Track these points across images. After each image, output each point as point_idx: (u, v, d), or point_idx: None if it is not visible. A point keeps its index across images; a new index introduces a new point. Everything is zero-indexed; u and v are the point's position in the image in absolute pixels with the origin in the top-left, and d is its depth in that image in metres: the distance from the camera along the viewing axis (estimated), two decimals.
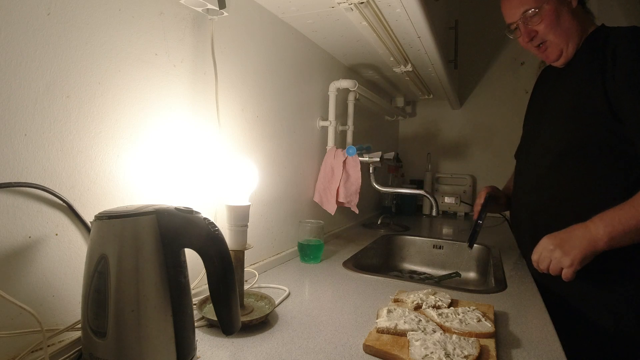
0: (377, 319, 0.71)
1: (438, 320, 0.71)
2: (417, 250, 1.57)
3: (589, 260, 0.86)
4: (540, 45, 1.02)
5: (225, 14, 0.80)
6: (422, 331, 0.65)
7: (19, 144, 0.51)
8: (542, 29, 0.99)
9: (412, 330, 0.65)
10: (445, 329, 0.69)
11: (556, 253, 0.88)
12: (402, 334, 0.66)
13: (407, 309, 0.74)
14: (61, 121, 0.56)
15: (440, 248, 1.53)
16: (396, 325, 0.67)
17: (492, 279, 1.09)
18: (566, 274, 0.87)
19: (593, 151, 0.93)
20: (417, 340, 0.61)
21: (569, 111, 0.99)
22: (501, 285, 0.99)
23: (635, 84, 0.85)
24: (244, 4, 0.94)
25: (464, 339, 0.63)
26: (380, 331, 0.67)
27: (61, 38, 0.55)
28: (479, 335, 0.66)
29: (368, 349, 0.62)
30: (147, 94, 0.70)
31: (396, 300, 0.83)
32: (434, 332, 0.65)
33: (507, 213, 1.30)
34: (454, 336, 0.63)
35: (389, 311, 0.72)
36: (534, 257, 0.93)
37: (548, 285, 1.01)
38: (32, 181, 0.53)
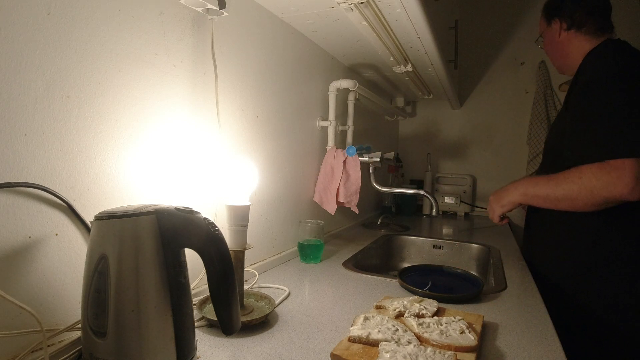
0: (351, 326, 0.67)
1: (417, 331, 0.67)
2: (417, 250, 1.57)
3: (509, 209, 1.20)
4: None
5: (225, 14, 0.80)
6: (396, 342, 0.61)
7: (19, 144, 0.51)
8: (545, 50, 1.30)
9: (385, 341, 0.61)
10: (422, 340, 0.64)
11: (492, 204, 1.24)
12: (375, 344, 0.62)
13: (386, 317, 0.69)
14: (61, 121, 0.56)
15: (440, 248, 1.53)
16: (369, 334, 0.63)
17: (492, 279, 1.09)
18: (492, 213, 1.25)
19: (569, 158, 1.06)
20: (387, 352, 0.57)
21: (554, 126, 1.28)
22: (501, 285, 0.99)
23: (576, 104, 1.05)
24: (244, 4, 0.94)
25: (440, 352, 0.58)
26: (352, 340, 0.63)
27: (61, 38, 0.55)
28: (459, 349, 0.62)
29: (335, 359, 0.59)
30: (147, 94, 0.70)
31: (378, 307, 0.79)
32: (409, 343, 0.61)
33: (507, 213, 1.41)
34: (429, 349, 0.58)
35: (366, 319, 0.68)
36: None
37: (544, 273, 1.15)
38: (32, 181, 0.53)
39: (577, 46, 1.17)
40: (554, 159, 1.18)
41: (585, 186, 0.96)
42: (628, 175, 0.90)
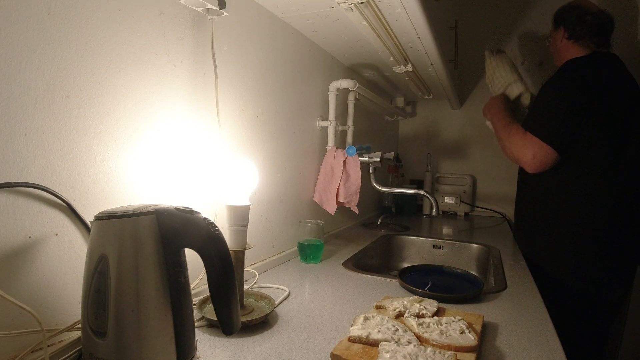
0: (351, 326, 0.67)
1: (417, 331, 0.67)
2: (417, 250, 1.57)
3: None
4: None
5: (225, 14, 0.80)
6: (396, 342, 0.61)
7: (19, 144, 0.51)
8: (550, 51, 1.54)
9: (385, 341, 0.61)
10: (422, 340, 0.64)
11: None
12: (374, 344, 0.62)
13: (386, 317, 0.69)
14: (61, 121, 0.56)
15: (440, 248, 1.53)
16: (369, 334, 0.63)
17: (492, 279, 1.09)
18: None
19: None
20: (387, 352, 0.57)
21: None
22: (501, 285, 0.99)
23: (542, 92, 1.40)
24: (244, 4, 0.94)
25: (440, 352, 0.58)
26: (352, 340, 0.63)
27: (61, 38, 0.55)
28: (459, 349, 0.62)
29: (335, 359, 0.59)
30: (147, 94, 0.70)
31: (378, 307, 0.79)
32: (409, 343, 0.61)
33: (507, 213, 1.47)
34: (429, 349, 0.58)
35: (366, 319, 0.68)
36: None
37: (539, 263, 1.34)
38: (32, 181, 0.53)
39: (571, 53, 1.39)
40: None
41: (511, 142, 1.35)
42: (531, 150, 1.26)
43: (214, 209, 0.87)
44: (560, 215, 1.34)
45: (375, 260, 1.42)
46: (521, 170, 1.49)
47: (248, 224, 0.74)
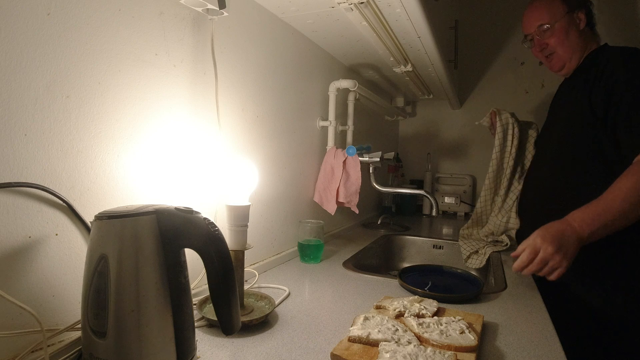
0: (351, 326, 0.67)
1: (417, 331, 0.67)
2: (417, 250, 1.57)
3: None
4: (549, 56, 1.20)
5: (225, 14, 0.80)
6: (396, 342, 0.61)
7: (19, 144, 0.51)
8: (552, 43, 1.17)
9: (385, 341, 0.61)
10: (423, 340, 0.64)
11: (557, 256, 0.87)
12: (375, 344, 0.61)
13: (386, 317, 0.69)
14: (61, 121, 0.56)
15: (440, 248, 1.53)
16: (369, 334, 0.63)
17: (492, 279, 1.09)
18: (560, 273, 0.88)
19: (581, 157, 1.05)
20: (387, 352, 0.57)
21: (564, 121, 1.17)
22: (501, 285, 0.99)
23: (617, 95, 0.99)
24: (244, 4, 0.94)
25: (440, 352, 0.58)
26: (352, 340, 0.63)
27: (61, 38, 0.55)
28: (459, 349, 0.61)
29: (335, 359, 0.59)
30: (147, 94, 0.70)
31: (378, 307, 0.79)
32: (409, 343, 0.61)
33: None
34: (429, 349, 0.58)
35: (366, 319, 0.68)
36: (527, 255, 0.90)
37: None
38: (32, 181, 0.53)
39: (589, 43, 1.15)
40: (560, 166, 1.12)
41: None
42: None
43: (214, 209, 0.87)
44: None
45: (375, 260, 1.42)
46: (538, 172, 1.23)
47: (248, 224, 0.74)
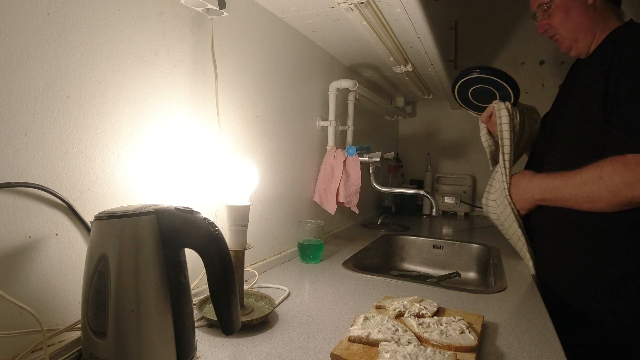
0: (351, 326, 0.67)
1: (417, 331, 0.67)
2: (417, 250, 1.57)
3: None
4: (552, 37, 1.09)
5: (225, 14, 0.80)
6: (396, 342, 0.61)
7: (19, 144, 0.51)
8: (553, 23, 1.05)
9: (385, 341, 0.61)
10: (422, 340, 0.64)
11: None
12: (375, 344, 0.61)
13: (386, 317, 0.69)
14: (61, 121, 0.56)
15: (440, 248, 1.53)
16: (369, 334, 0.63)
17: (492, 279, 1.09)
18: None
19: (594, 147, 0.95)
20: (387, 352, 0.57)
21: (577, 107, 1.03)
22: (501, 285, 0.99)
23: (627, 86, 0.87)
24: (244, 4, 0.94)
25: (440, 352, 0.58)
26: (352, 340, 0.63)
27: (61, 38, 0.55)
28: (459, 349, 0.61)
29: (335, 359, 0.59)
30: (147, 94, 0.70)
31: (378, 307, 0.79)
32: (409, 343, 0.61)
33: None
34: (429, 349, 0.58)
35: (366, 319, 0.68)
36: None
37: (549, 283, 1.05)
38: (32, 181, 0.53)
39: (605, 20, 0.99)
40: (572, 155, 1.02)
41: (607, 186, 0.86)
42: None
43: (214, 209, 0.87)
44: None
45: (375, 260, 1.42)
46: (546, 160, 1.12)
47: (248, 224, 0.74)
